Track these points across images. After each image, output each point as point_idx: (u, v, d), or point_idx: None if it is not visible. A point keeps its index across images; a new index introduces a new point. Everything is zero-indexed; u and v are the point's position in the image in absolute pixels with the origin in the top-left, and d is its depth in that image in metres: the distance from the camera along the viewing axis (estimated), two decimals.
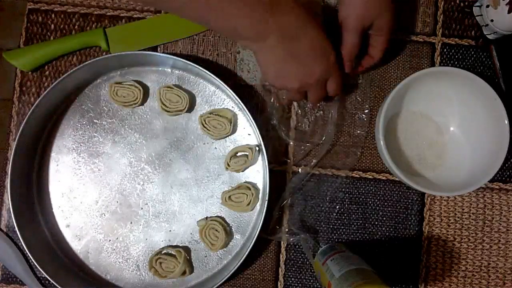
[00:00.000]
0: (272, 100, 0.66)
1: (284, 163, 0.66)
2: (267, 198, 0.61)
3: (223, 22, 0.49)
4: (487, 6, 0.63)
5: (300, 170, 0.66)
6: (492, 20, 0.63)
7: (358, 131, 0.67)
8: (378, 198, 0.66)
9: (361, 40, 0.58)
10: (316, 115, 0.66)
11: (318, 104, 0.66)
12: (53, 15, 0.68)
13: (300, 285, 0.66)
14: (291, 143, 0.66)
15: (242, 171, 0.64)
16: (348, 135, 0.67)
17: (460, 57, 0.68)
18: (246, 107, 0.62)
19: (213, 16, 0.49)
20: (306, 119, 0.67)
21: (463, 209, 0.66)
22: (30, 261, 0.63)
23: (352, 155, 0.67)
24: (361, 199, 0.66)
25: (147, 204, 0.65)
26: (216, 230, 0.63)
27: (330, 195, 0.66)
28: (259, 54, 0.53)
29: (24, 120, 0.61)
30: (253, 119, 0.62)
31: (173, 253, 0.63)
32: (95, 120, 0.66)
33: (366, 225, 0.66)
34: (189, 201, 0.65)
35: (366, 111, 0.67)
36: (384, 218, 0.66)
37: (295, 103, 0.67)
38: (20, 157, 0.62)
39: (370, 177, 0.67)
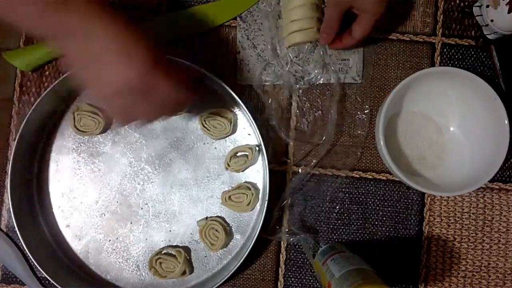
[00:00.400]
0: (269, 101, 0.66)
1: (284, 163, 0.66)
2: (267, 198, 0.61)
3: (15, 22, 0.42)
4: (487, 6, 0.63)
5: (300, 170, 0.66)
6: (492, 20, 0.63)
7: (358, 131, 0.67)
8: (378, 198, 0.66)
9: (341, 16, 0.60)
10: (315, 115, 0.66)
11: (316, 104, 0.66)
12: None
13: (300, 285, 0.66)
14: (291, 143, 0.66)
15: (242, 171, 0.64)
16: (348, 135, 0.67)
17: (460, 57, 0.68)
18: (246, 107, 0.62)
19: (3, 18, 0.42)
20: (305, 119, 0.67)
21: (463, 209, 0.66)
22: (30, 261, 0.63)
23: (352, 155, 0.67)
24: (361, 199, 0.66)
25: (147, 204, 0.65)
26: (216, 230, 0.63)
27: (330, 195, 0.66)
28: (65, 55, 0.44)
29: (24, 120, 0.61)
30: (253, 119, 0.62)
31: (173, 253, 0.63)
32: None
33: (366, 225, 0.66)
34: (189, 201, 0.65)
35: (366, 111, 0.67)
36: (384, 218, 0.66)
37: (293, 103, 0.67)
38: (20, 157, 0.62)
39: (370, 177, 0.67)
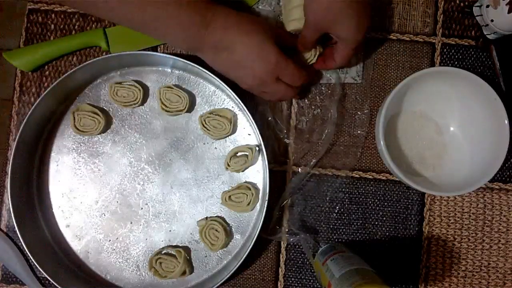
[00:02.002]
0: (269, 101, 0.66)
1: (284, 163, 0.66)
2: (267, 198, 0.61)
3: (162, 38, 0.59)
4: (487, 6, 0.63)
5: (300, 170, 0.66)
6: (492, 20, 0.63)
7: (358, 131, 0.67)
8: (378, 198, 0.66)
9: (315, 39, 0.59)
10: (314, 113, 0.66)
11: (315, 102, 0.66)
12: (53, 15, 0.68)
13: (300, 285, 0.66)
14: (291, 142, 0.66)
15: (242, 171, 0.64)
16: (348, 135, 0.67)
17: (460, 57, 0.68)
18: (246, 107, 0.62)
19: (151, 33, 0.58)
20: (304, 117, 0.67)
21: (463, 209, 0.66)
22: (30, 261, 0.63)
23: (352, 155, 0.67)
24: (361, 199, 0.66)
25: (147, 204, 0.65)
26: (216, 230, 0.63)
27: (330, 195, 0.66)
28: (208, 62, 0.60)
29: (24, 120, 0.61)
30: (253, 119, 0.62)
31: (173, 253, 0.63)
32: None
33: (366, 225, 0.66)
34: (189, 201, 0.65)
35: (366, 111, 0.67)
36: (384, 218, 0.66)
37: (294, 102, 0.67)
38: (20, 157, 0.62)
39: (370, 177, 0.67)
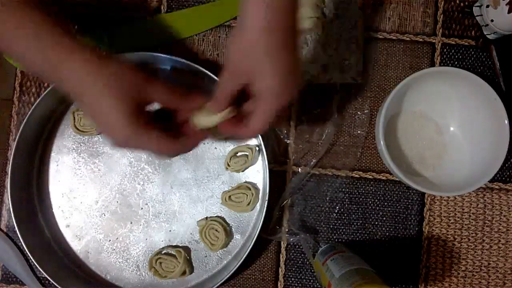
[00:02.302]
0: None
1: (284, 163, 0.66)
2: (267, 198, 0.61)
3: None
4: (487, 6, 0.63)
5: (300, 170, 0.66)
6: (492, 20, 0.63)
7: (358, 131, 0.67)
8: (378, 198, 0.66)
9: (231, 92, 0.47)
10: (314, 113, 0.66)
11: (315, 102, 0.66)
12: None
13: (300, 285, 0.66)
14: (291, 142, 0.66)
15: (242, 171, 0.64)
16: (348, 135, 0.67)
17: (460, 57, 0.68)
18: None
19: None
20: (304, 117, 0.67)
21: (463, 209, 0.66)
22: (30, 261, 0.63)
23: (352, 155, 0.67)
24: (361, 199, 0.66)
25: (147, 204, 0.65)
26: (216, 230, 0.63)
27: (330, 195, 0.66)
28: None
29: (24, 120, 0.61)
30: None
31: (173, 253, 0.63)
32: None
33: (366, 225, 0.66)
34: (189, 201, 0.65)
35: (366, 111, 0.67)
36: (384, 218, 0.66)
37: (294, 102, 0.67)
38: (20, 157, 0.62)
39: (370, 177, 0.67)
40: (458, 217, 0.66)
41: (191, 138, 0.51)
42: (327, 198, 0.66)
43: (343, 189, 0.66)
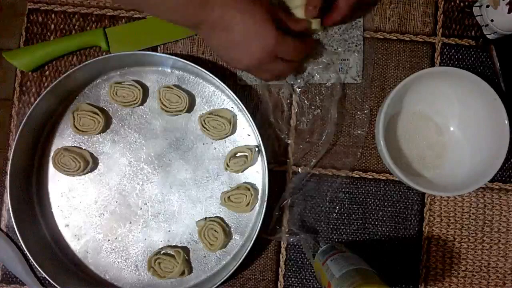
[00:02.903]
0: (269, 101, 0.66)
1: (284, 163, 0.66)
2: (266, 199, 0.61)
3: (162, 15, 0.56)
4: (487, 6, 0.63)
5: (300, 170, 0.66)
6: (492, 20, 0.63)
7: (358, 131, 0.67)
8: (378, 198, 0.66)
9: None
10: (314, 113, 0.66)
11: (315, 102, 0.66)
12: (53, 15, 0.68)
13: (300, 285, 0.65)
14: (291, 143, 0.66)
15: (242, 171, 0.64)
16: (348, 135, 0.67)
17: (460, 57, 0.68)
18: (246, 108, 0.62)
19: (152, 10, 0.57)
20: (304, 117, 0.67)
21: (463, 209, 0.66)
22: (30, 261, 0.63)
23: (352, 155, 0.67)
24: (361, 199, 0.66)
25: (146, 204, 0.65)
26: (215, 231, 0.62)
27: (330, 195, 0.66)
28: (205, 40, 0.63)
29: (24, 120, 0.61)
30: (253, 119, 0.62)
31: (172, 253, 0.63)
32: None
33: (366, 225, 0.66)
34: (188, 202, 0.65)
35: (366, 111, 0.67)
36: (384, 218, 0.66)
37: (293, 103, 0.67)
38: (20, 157, 0.62)
39: (370, 177, 0.66)
40: (458, 217, 0.66)
41: (306, 42, 0.62)
42: (327, 198, 0.66)
43: (343, 189, 0.66)
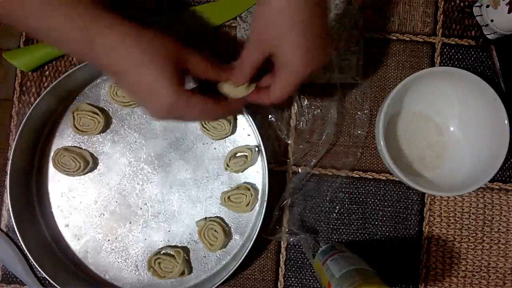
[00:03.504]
0: None
1: (284, 163, 0.66)
2: (266, 199, 0.61)
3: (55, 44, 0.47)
4: (487, 6, 0.63)
5: (300, 170, 0.66)
6: (492, 20, 0.63)
7: (358, 131, 0.67)
8: (378, 198, 0.66)
9: (257, 62, 0.49)
10: (314, 114, 0.66)
11: (315, 102, 0.66)
12: None
13: (300, 285, 0.65)
14: (291, 143, 0.66)
15: (242, 171, 0.64)
16: (348, 135, 0.67)
17: (460, 57, 0.68)
18: (246, 108, 0.62)
19: (48, 39, 0.47)
20: (304, 117, 0.67)
21: (463, 209, 0.66)
22: (30, 261, 0.63)
23: (352, 155, 0.67)
24: (361, 199, 0.66)
25: (146, 204, 0.65)
26: (215, 231, 0.62)
27: (330, 195, 0.66)
28: None
29: (24, 120, 0.61)
30: (253, 119, 0.62)
31: (172, 253, 0.63)
32: None
33: (366, 225, 0.66)
34: (188, 201, 0.65)
35: (366, 111, 0.67)
36: (384, 218, 0.66)
37: (293, 103, 0.67)
38: (20, 157, 0.62)
39: (370, 177, 0.66)
40: (458, 217, 0.66)
41: (232, 103, 0.53)
42: (327, 198, 0.66)
43: (343, 189, 0.66)
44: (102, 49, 0.44)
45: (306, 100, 0.67)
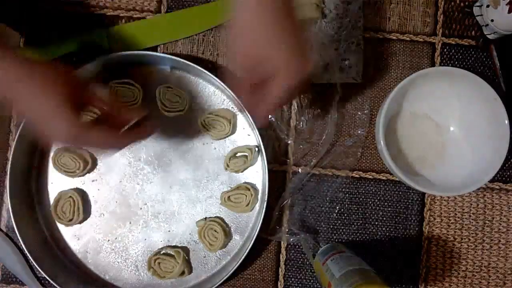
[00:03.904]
0: None
1: (284, 163, 0.66)
2: (266, 199, 0.61)
3: None
4: (487, 6, 0.63)
5: (300, 170, 0.66)
6: (492, 20, 0.63)
7: (358, 131, 0.67)
8: (378, 198, 0.66)
9: (248, 74, 0.48)
10: (314, 113, 0.66)
11: (315, 102, 0.66)
12: (53, 15, 0.68)
13: (300, 285, 0.65)
14: (290, 142, 0.66)
15: (242, 171, 0.64)
16: (348, 135, 0.67)
17: (460, 57, 0.68)
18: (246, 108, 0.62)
19: None
20: (304, 117, 0.67)
21: (463, 209, 0.66)
22: (30, 261, 0.63)
23: (352, 155, 0.67)
24: (361, 199, 0.66)
25: (146, 204, 0.65)
26: (215, 231, 0.62)
27: (330, 195, 0.66)
28: None
29: (24, 120, 0.61)
30: (253, 119, 0.62)
31: (172, 253, 0.63)
32: None
33: (366, 225, 0.66)
34: (188, 202, 0.65)
35: (366, 111, 0.67)
36: (384, 218, 0.66)
37: (294, 102, 0.67)
38: (20, 157, 0.62)
39: (370, 177, 0.66)
40: (458, 217, 0.66)
41: (132, 133, 0.56)
42: (327, 198, 0.66)
43: (343, 189, 0.66)
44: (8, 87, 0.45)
45: (306, 100, 0.67)
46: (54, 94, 0.46)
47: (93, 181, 0.65)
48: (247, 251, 0.60)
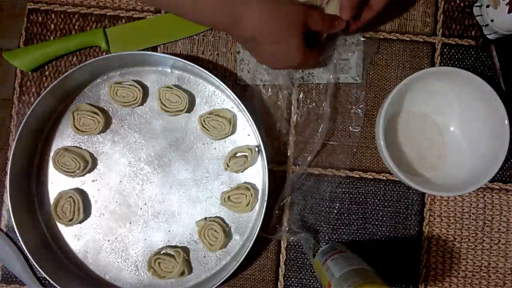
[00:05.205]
0: (269, 101, 0.66)
1: (284, 163, 0.66)
2: (266, 199, 0.61)
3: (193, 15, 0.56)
4: (487, 6, 0.63)
5: (297, 168, 0.66)
6: (492, 20, 0.63)
7: (353, 127, 0.67)
8: (378, 198, 0.66)
9: None
10: (309, 107, 0.66)
11: (316, 103, 0.66)
12: (53, 15, 0.68)
13: (300, 285, 0.65)
14: (290, 142, 0.66)
15: (242, 171, 0.64)
16: (343, 131, 0.67)
17: (460, 57, 0.68)
18: (246, 108, 0.62)
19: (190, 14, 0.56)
20: (304, 117, 0.67)
21: (463, 209, 0.66)
22: (30, 261, 0.63)
23: (347, 151, 0.66)
24: (361, 199, 0.66)
25: (146, 204, 0.65)
26: (215, 231, 0.62)
27: (329, 193, 0.66)
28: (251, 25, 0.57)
29: (24, 120, 0.61)
30: (253, 119, 0.62)
31: (172, 253, 0.63)
32: None
33: (366, 225, 0.66)
34: (188, 202, 0.65)
35: (361, 105, 0.67)
36: (384, 218, 0.66)
37: (293, 103, 0.67)
38: (20, 157, 0.62)
39: (370, 177, 0.66)
40: (458, 217, 0.66)
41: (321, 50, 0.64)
42: (327, 197, 0.66)
43: (343, 188, 0.66)
44: (244, 27, 0.54)
45: (306, 99, 0.67)
46: (292, 37, 0.55)
47: (93, 181, 0.65)
48: (247, 251, 0.60)
